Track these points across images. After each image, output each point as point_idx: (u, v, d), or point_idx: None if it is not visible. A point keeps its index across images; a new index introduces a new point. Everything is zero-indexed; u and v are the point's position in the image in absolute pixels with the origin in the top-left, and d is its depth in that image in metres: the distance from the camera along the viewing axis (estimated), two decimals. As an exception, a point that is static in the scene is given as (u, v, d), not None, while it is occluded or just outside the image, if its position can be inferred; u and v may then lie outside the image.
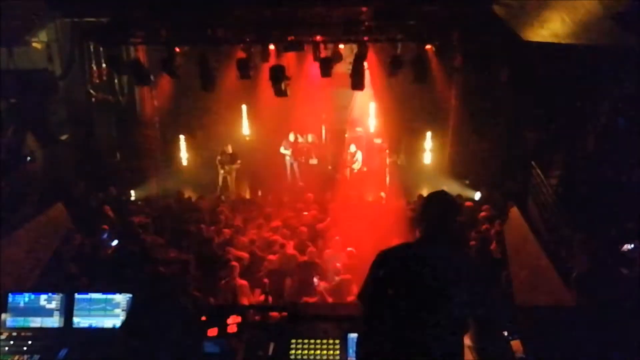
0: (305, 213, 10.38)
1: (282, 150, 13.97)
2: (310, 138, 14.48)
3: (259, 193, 12.47)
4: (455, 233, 2.78)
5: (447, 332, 2.61)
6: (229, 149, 13.51)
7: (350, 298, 7.03)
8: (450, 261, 2.71)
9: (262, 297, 7.09)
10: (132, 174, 12.60)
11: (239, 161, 13.45)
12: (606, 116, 7.50)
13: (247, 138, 14.84)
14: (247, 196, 12.38)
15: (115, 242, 9.10)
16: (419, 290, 2.60)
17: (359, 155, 14.02)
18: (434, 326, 2.58)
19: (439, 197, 2.86)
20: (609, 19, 4.39)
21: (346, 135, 14.40)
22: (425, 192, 12.05)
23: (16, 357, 3.42)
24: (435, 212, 2.76)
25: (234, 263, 7.62)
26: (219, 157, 13.42)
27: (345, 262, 8.04)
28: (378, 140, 14.40)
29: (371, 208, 10.83)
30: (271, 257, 8.33)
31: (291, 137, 14.09)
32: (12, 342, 3.52)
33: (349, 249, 8.14)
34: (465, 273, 2.71)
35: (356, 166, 13.93)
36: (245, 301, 7.13)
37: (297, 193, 12.03)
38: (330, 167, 14.39)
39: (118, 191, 11.90)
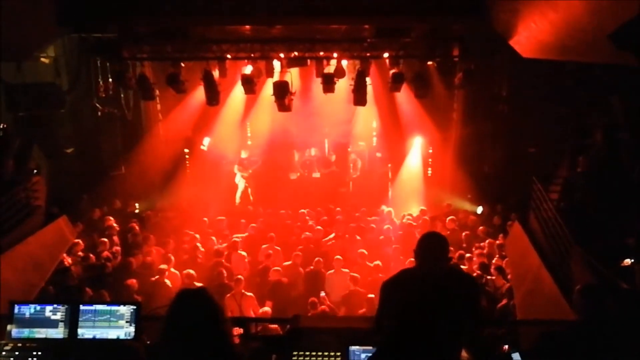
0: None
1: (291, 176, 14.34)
2: (313, 152, 14.61)
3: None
4: (449, 261, 3.17)
5: (455, 344, 2.90)
6: (244, 154, 13.71)
7: (361, 311, 7.12)
8: (451, 278, 3.08)
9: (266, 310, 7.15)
10: (137, 187, 12.69)
11: (255, 165, 13.84)
12: (606, 131, 7.54)
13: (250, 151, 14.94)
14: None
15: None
16: (427, 308, 2.84)
17: (359, 164, 14.22)
18: (439, 339, 2.79)
19: (431, 237, 3.25)
20: (604, 37, 4.46)
21: (349, 149, 14.53)
22: (427, 207, 12.14)
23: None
24: (429, 248, 3.11)
25: (240, 276, 7.71)
26: (236, 165, 13.66)
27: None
28: (380, 155, 14.55)
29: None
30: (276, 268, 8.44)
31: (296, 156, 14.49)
32: (17, 353, 3.53)
33: (352, 274, 8.23)
34: (461, 288, 3.06)
35: (355, 175, 14.28)
36: (250, 313, 7.19)
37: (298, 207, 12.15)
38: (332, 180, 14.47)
39: (123, 204, 12.00)
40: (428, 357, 2.77)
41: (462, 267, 8.83)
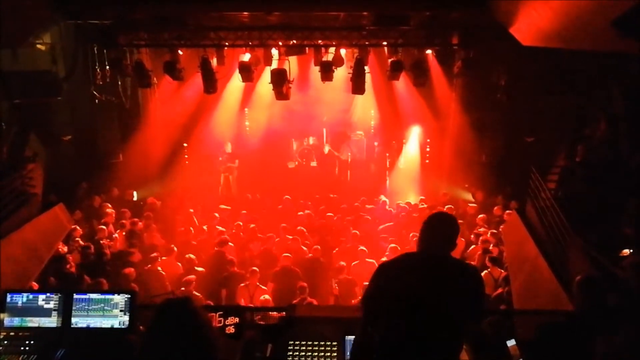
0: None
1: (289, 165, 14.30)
2: (311, 141, 14.55)
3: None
4: (454, 248, 2.92)
5: (448, 337, 2.74)
6: (228, 148, 13.60)
7: (354, 301, 7.10)
8: (451, 269, 2.85)
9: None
10: (134, 175, 12.64)
11: (237, 160, 13.68)
12: (605, 120, 7.48)
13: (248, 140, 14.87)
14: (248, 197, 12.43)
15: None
16: (419, 297, 2.72)
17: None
18: (435, 332, 2.70)
19: (439, 217, 3.02)
20: (607, 24, 4.39)
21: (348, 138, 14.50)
22: (425, 196, 12.13)
23: (14, 357, 3.42)
24: (435, 230, 2.89)
25: (255, 268, 7.71)
26: (220, 158, 13.57)
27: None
28: (377, 144, 14.50)
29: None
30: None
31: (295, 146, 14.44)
32: (9, 342, 3.51)
33: (361, 247, 8.32)
34: (464, 280, 2.82)
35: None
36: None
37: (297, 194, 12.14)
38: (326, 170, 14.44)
39: (120, 192, 11.96)
40: (431, 348, 2.71)
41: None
